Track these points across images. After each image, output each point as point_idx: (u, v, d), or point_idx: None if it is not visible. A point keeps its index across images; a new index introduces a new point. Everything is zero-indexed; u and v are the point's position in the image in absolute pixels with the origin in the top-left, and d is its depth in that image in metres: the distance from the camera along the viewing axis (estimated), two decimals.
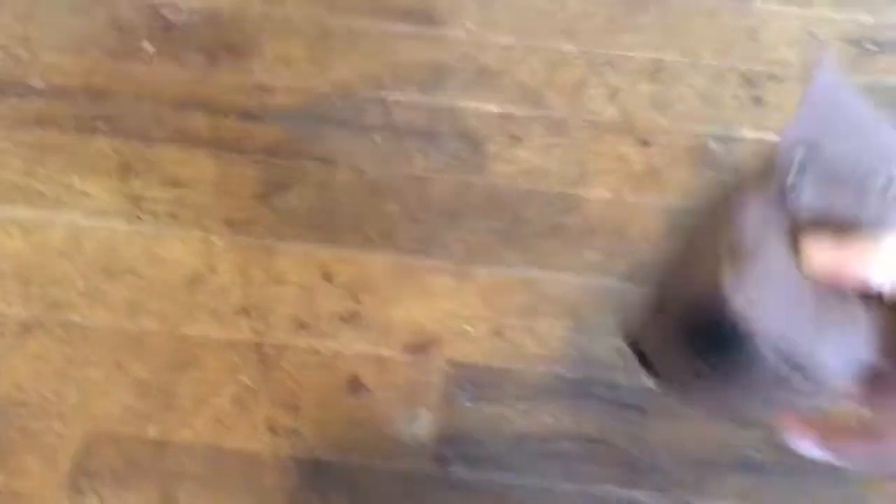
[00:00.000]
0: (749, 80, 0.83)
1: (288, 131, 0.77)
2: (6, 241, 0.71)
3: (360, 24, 0.83)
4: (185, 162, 0.76)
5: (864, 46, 0.87)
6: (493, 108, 0.80)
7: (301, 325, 0.69)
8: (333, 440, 0.65)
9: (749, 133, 0.81)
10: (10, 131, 0.76)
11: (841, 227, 0.30)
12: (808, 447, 0.34)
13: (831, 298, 0.30)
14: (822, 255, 0.30)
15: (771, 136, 0.81)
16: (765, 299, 0.29)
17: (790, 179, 0.30)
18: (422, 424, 0.66)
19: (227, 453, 0.65)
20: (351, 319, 0.69)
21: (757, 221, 0.30)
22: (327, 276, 0.71)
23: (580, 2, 0.86)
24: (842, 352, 0.30)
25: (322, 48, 0.82)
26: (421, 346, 0.68)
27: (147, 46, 0.81)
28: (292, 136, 0.77)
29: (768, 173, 0.31)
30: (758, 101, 0.83)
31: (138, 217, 0.73)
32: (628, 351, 0.36)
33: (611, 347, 0.69)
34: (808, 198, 0.30)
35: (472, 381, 0.67)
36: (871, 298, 0.29)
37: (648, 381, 0.36)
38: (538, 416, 0.66)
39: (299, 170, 0.75)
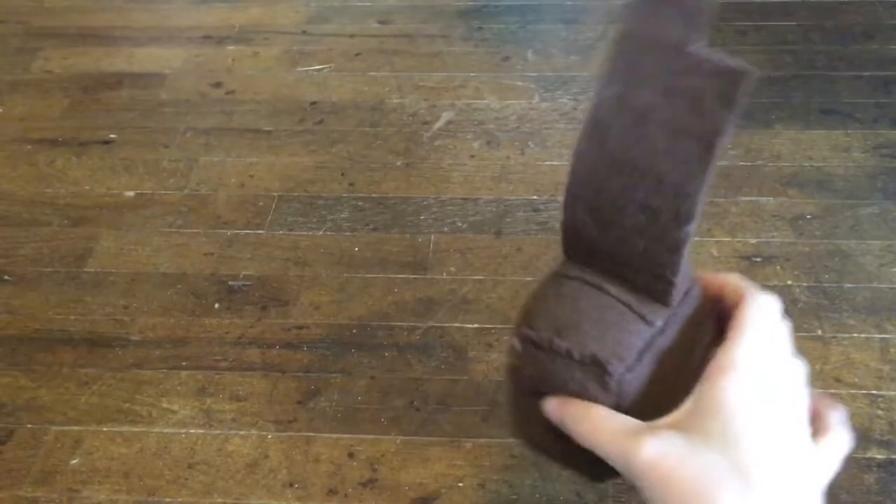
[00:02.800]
0: None
1: (318, 354, 1.04)
2: (113, 448, 0.96)
3: (370, 275, 1.13)
4: (243, 383, 1.02)
5: (752, 260, 1.14)
6: (472, 325, 1.07)
7: (332, 492, 0.91)
8: None
9: None
10: (115, 372, 1.04)
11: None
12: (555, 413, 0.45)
13: None
14: None
15: None
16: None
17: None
18: None
19: None
20: (370, 484, 0.91)
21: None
22: (351, 455, 0.94)
23: (535, 247, 1.16)
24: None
25: (342, 295, 1.11)
26: (425, 500, 0.89)
27: (215, 305, 1.11)
28: (322, 358, 1.04)
29: None
30: None
31: (210, 425, 0.98)
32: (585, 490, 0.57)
33: (571, 490, 0.90)
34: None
35: None
36: None
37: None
38: None
39: (327, 381, 1.01)
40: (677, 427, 0.40)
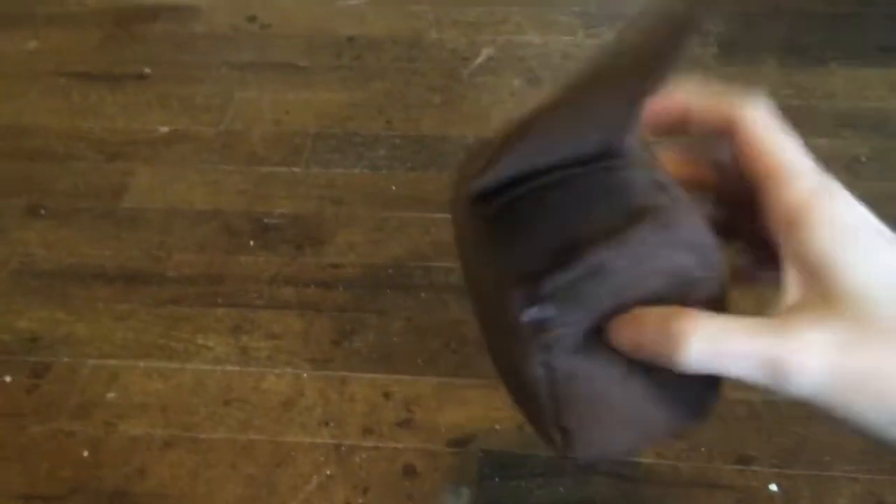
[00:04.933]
0: None
1: (354, 294, 1.03)
2: (150, 384, 0.96)
3: (407, 214, 1.11)
4: (279, 321, 1.01)
5: None
6: None
7: (368, 431, 0.90)
8: None
9: None
10: (151, 308, 1.03)
11: None
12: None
13: None
14: None
15: None
16: None
17: None
18: (464, 499, 0.85)
19: None
20: (405, 425, 0.90)
21: None
22: (387, 395, 0.93)
23: None
24: None
25: (378, 234, 1.09)
26: (461, 441, 0.88)
27: (250, 243, 1.10)
28: (357, 298, 1.02)
29: None
30: None
31: (246, 362, 0.97)
32: None
33: None
34: None
35: (501, 464, 0.87)
36: None
37: None
38: (552, 488, 0.85)
39: (363, 321, 1.00)
40: (810, 310, 0.32)
